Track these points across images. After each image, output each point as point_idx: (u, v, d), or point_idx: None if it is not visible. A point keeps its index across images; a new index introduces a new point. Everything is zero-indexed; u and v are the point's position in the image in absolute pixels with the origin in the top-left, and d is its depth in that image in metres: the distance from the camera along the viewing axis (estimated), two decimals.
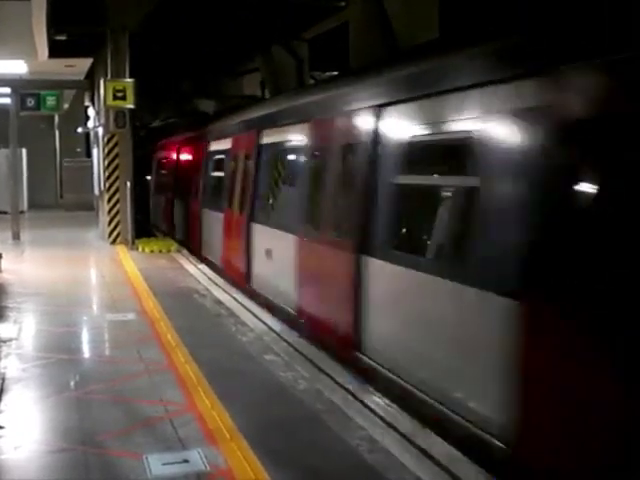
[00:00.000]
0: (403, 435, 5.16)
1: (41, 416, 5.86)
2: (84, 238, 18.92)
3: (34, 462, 4.91)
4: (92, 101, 21.64)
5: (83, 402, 6.00)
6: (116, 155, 16.79)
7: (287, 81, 19.83)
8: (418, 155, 6.56)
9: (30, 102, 19.35)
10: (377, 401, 5.91)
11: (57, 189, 32.11)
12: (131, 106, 16.10)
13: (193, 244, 15.92)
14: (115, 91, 15.79)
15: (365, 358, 6.92)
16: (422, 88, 6.37)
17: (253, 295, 10.59)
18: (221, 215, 13.19)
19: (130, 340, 8.05)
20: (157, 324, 8.77)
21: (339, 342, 7.46)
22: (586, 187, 4.38)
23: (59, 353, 7.49)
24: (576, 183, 4.39)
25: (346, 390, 6.17)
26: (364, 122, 7.38)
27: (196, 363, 7.01)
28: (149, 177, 24.66)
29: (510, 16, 5.72)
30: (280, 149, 10.60)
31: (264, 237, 10.50)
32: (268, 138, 11.04)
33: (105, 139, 17.04)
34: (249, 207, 11.33)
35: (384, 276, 6.73)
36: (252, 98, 21.75)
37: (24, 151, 26.32)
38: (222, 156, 14.06)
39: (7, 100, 19.31)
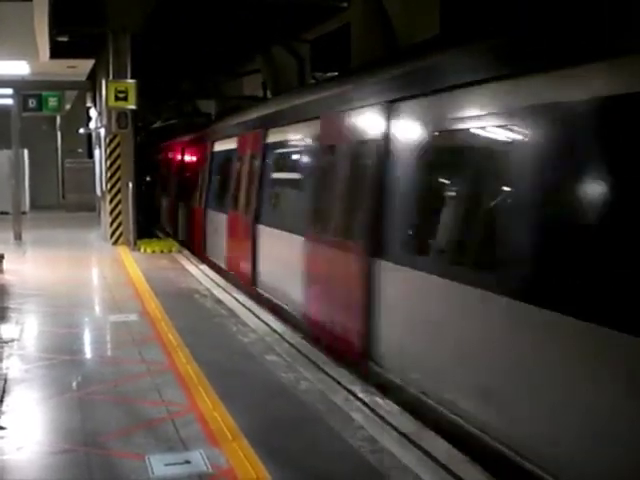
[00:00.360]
0: (405, 435, 5.16)
1: (43, 417, 5.87)
2: (86, 239, 18.94)
3: (36, 463, 4.92)
4: (94, 102, 21.66)
5: (85, 403, 6.01)
6: (118, 156, 16.81)
7: (288, 82, 19.83)
8: (281, 160, 10.97)
9: (32, 103, 19.41)
10: (378, 402, 5.91)
11: (59, 190, 32.14)
12: (133, 107, 16.11)
13: (174, 232, 19.60)
14: (117, 92, 15.80)
15: (259, 290, 10.87)
16: (282, 120, 10.67)
17: (207, 260, 14.52)
18: (188, 207, 17.61)
19: (132, 341, 8.06)
20: (159, 325, 8.78)
21: (246, 282, 11.43)
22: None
23: (61, 354, 7.51)
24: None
25: (348, 391, 6.17)
26: (260, 138, 11.44)
27: (197, 363, 7.02)
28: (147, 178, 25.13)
29: (510, 14, 5.74)
30: (223, 155, 14.55)
31: (213, 219, 14.65)
32: (218, 147, 15.22)
33: (107, 140, 17.06)
34: (205, 199, 15.57)
35: (265, 235, 10.78)
36: (253, 99, 21.78)
37: (26, 152, 26.32)
38: (193, 158, 17.86)
39: (9, 101, 19.32)
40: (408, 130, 6.66)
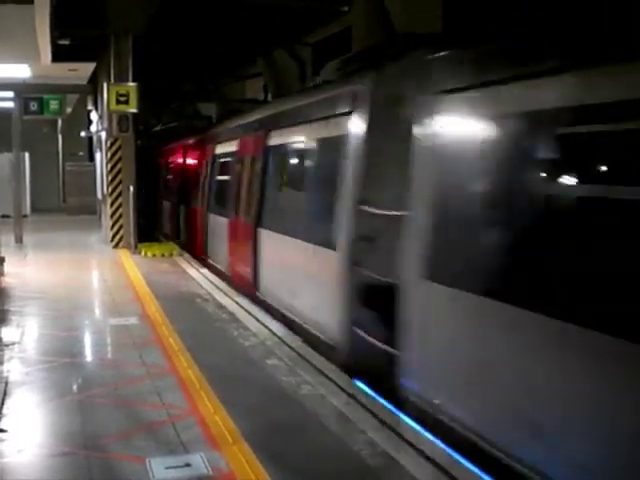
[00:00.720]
0: (405, 440, 5.16)
1: (44, 420, 5.87)
2: (87, 242, 18.95)
3: (36, 465, 4.92)
4: (95, 105, 21.67)
5: (85, 406, 6.01)
6: (119, 159, 16.82)
7: (290, 85, 19.85)
8: (220, 167, 14.50)
9: (33, 106, 19.41)
10: (379, 405, 5.90)
11: (60, 193, 32.14)
12: (134, 110, 16.12)
13: (158, 226, 22.57)
14: (118, 95, 15.79)
15: (207, 259, 14.91)
16: (223, 137, 14.66)
17: (180, 243, 17.78)
18: (169, 204, 21.07)
19: (132, 344, 8.06)
20: (159, 328, 8.78)
21: (200, 254, 15.49)
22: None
23: (62, 357, 7.50)
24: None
25: (348, 394, 6.16)
26: (211, 150, 15.44)
27: (198, 367, 7.01)
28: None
29: (511, 14, 5.77)
30: (192, 163, 18.01)
31: (184, 212, 18.16)
32: (189, 157, 18.66)
33: (108, 143, 17.06)
34: (179, 198, 19.05)
35: (212, 220, 14.67)
36: (254, 102, 21.80)
37: (27, 155, 26.32)
38: (180, 161, 20.40)
39: (10, 104, 19.34)
40: (272, 148, 10.68)
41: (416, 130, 5.86)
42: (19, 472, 4.80)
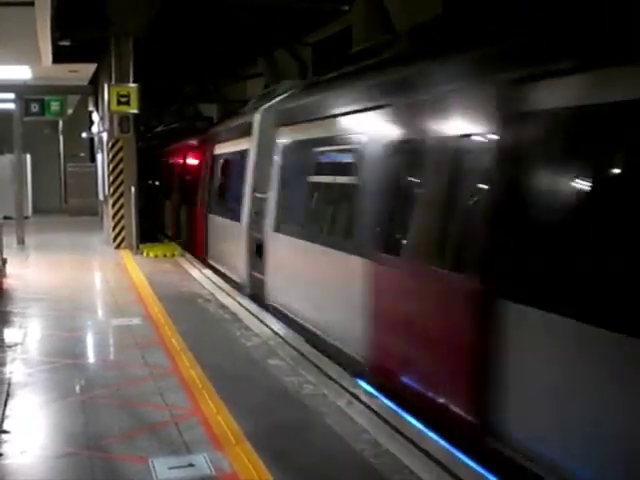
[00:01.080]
0: (408, 439, 5.16)
1: (46, 421, 5.88)
2: (88, 243, 18.95)
3: (40, 466, 4.93)
4: (96, 106, 21.67)
5: (88, 406, 6.02)
6: (120, 160, 16.82)
7: None
8: (192, 167, 17.65)
9: (34, 107, 19.42)
10: (382, 405, 5.91)
11: (61, 194, 32.12)
12: (135, 111, 16.13)
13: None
14: (119, 96, 15.81)
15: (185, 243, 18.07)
16: (199, 144, 17.94)
17: (163, 233, 21.54)
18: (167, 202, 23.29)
19: (135, 345, 8.07)
20: (162, 329, 8.79)
21: (175, 237, 19.31)
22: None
23: (64, 358, 7.51)
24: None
25: (351, 394, 6.17)
26: (185, 155, 18.72)
27: (201, 367, 7.02)
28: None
29: (513, 16, 5.76)
30: (174, 164, 21.14)
31: (169, 206, 20.95)
32: (172, 159, 21.68)
33: (109, 144, 17.07)
34: (166, 194, 21.92)
35: (184, 211, 18.13)
36: None
37: (28, 156, 26.30)
38: (169, 163, 22.65)
39: (11, 105, 19.34)
40: (215, 156, 14.78)
41: (273, 147, 10.15)
42: (22, 473, 4.81)
